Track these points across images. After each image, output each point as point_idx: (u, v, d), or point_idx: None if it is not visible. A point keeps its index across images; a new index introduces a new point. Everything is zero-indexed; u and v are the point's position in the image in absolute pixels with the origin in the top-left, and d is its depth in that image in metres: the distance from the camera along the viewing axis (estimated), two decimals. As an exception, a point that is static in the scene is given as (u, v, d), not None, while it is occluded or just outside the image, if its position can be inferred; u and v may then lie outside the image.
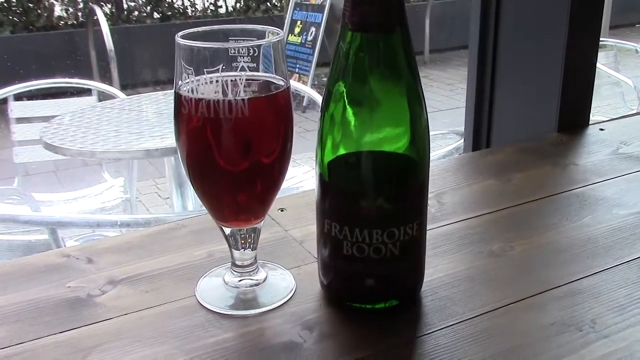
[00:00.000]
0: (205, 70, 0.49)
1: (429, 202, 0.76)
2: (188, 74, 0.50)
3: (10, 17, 5.44)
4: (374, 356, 0.51)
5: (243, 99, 0.49)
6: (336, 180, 0.53)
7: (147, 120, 2.11)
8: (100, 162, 2.93)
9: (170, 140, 1.91)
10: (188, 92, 0.50)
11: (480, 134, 1.08)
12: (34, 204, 2.30)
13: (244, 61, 0.50)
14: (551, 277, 0.61)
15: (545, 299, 0.57)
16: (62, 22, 5.61)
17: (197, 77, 0.50)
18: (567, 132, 0.96)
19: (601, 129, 0.99)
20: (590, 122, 1.01)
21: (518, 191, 0.79)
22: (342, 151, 0.53)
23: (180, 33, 0.51)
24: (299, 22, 5.08)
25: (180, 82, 0.51)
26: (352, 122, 0.52)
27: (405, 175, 0.53)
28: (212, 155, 0.51)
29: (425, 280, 0.59)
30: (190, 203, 2.24)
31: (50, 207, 2.42)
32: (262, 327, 0.55)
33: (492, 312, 0.56)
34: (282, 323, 0.55)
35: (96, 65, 5.04)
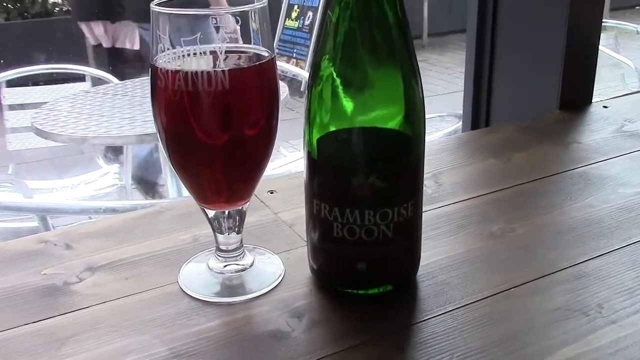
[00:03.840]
0: (182, 40, 0.46)
1: (425, 182, 0.72)
2: (164, 45, 0.46)
3: (5, 4, 5.37)
4: (366, 344, 0.48)
5: (223, 71, 0.46)
6: (325, 158, 0.49)
7: (140, 105, 2.07)
8: (96, 148, 2.90)
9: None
10: (164, 64, 0.47)
11: (479, 113, 1.04)
12: (26, 191, 2.26)
13: (225, 31, 0.46)
14: (555, 260, 0.57)
15: (548, 283, 0.54)
16: (57, 9, 5.55)
17: (174, 48, 0.46)
18: (569, 110, 0.93)
19: (605, 107, 0.95)
20: (592, 101, 0.97)
21: (519, 171, 0.75)
22: (331, 128, 0.49)
23: (156, 0, 0.47)
24: (295, 7, 5.02)
25: (156, 54, 0.47)
26: (342, 98, 0.49)
27: (399, 152, 0.49)
28: (191, 131, 0.47)
29: (421, 263, 0.56)
30: (185, 190, 2.21)
31: (43, 195, 2.39)
32: (248, 315, 0.51)
33: (493, 297, 0.52)
34: (269, 310, 0.52)
35: (92, 52, 4.98)
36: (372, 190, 0.48)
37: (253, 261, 0.56)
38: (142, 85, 2.34)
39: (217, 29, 0.46)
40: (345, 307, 0.52)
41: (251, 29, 0.48)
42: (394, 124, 0.49)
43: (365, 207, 0.48)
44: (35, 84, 2.96)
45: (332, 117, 0.49)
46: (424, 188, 0.70)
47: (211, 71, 0.45)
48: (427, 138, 0.84)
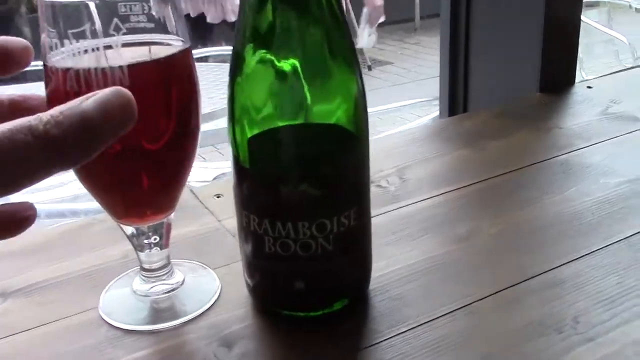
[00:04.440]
0: (71, 33, 0.39)
1: (388, 179, 0.66)
2: (52, 39, 0.40)
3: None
4: (305, 377, 0.41)
5: (121, 67, 0.39)
6: (252, 162, 0.42)
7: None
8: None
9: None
10: (54, 61, 0.40)
11: (455, 99, 0.97)
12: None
13: (126, 19, 0.40)
14: (526, 265, 0.51)
15: (518, 294, 0.48)
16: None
17: (64, 43, 0.39)
18: (550, 92, 0.86)
19: (589, 87, 0.88)
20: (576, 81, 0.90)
21: (493, 161, 0.69)
22: (258, 127, 0.42)
23: (43, -13, 0.40)
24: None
25: (45, 51, 0.40)
26: (268, 92, 0.42)
27: (336, 152, 0.42)
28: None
29: (376, 274, 0.50)
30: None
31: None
32: (172, 345, 0.45)
33: (453, 314, 0.46)
34: (197, 338, 0.45)
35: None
36: (305, 199, 0.41)
37: (184, 280, 0.50)
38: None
39: (117, 17, 0.39)
40: (284, 332, 0.45)
41: (158, 15, 0.41)
42: (329, 119, 0.42)
43: (299, 219, 0.42)
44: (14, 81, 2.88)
45: (258, 114, 0.42)
46: (384, 186, 0.64)
47: (107, 68, 0.39)
48: (406, 126, 0.77)
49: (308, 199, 0.41)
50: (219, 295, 0.49)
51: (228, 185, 0.66)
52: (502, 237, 0.55)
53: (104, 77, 0.39)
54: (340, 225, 0.43)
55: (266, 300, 0.46)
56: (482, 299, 0.47)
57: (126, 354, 0.44)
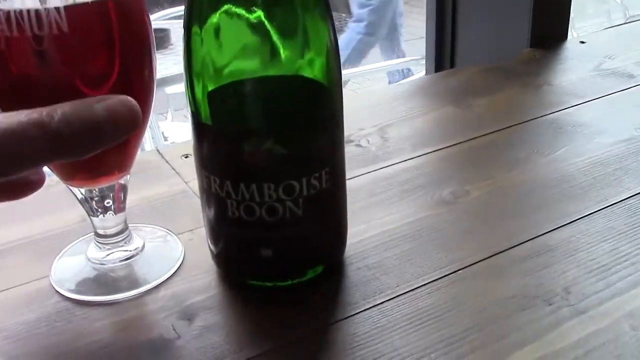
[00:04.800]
0: (1, -33, 0.34)
1: (368, 138, 0.62)
2: (-19, -25, 0.35)
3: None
4: (271, 353, 0.38)
5: (58, 8, 0.34)
6: (212, 118, 0.38)
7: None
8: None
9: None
10: (-17, 0, 0.35)
11: (442, 56, 0.93)
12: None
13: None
14: (513, 231, 0.47)
15: (504, 262, 0.44)
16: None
17: (-7, -21, 0.34)
18: (541, 48, 0.81)
19: (582, 42, 0.84)
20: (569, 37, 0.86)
21: (479, 120, 0.65)
22: (218, 80, 0.38)
23: None
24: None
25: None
26: (229, 38, 0.37)
27: (304, 105, 0.38)
28: (27, 88, 0.36)
29: (353, 241, 0.46)
30: (148, 144, 2.10)
31: None
32: (127, 317, 0.41)
33: (434, 284, 0.42)
34: (154, 310, 0.41)
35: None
36: (269, 158, 0.37)
37: (143, 246, 0.46)
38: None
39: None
40: (250, 304, 0.41)
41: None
42: (297, 70, 0.38)
43: (264, 180, 0.38)
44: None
45: (218, 66, 0.38)
46: (364, 145, 0.59)
47: (41, 9, 0.34)
48: (390, 87, 0.72)
49: (273, 158, 0.37)
50: (181, 263, 0.45)
51: (197, 145, 0.61)
52: (488, 201, 0.51)
53: (38, 19, 0.34)
54: (310, 188, 0.39)
55: (231, 269, 0.43)
56: (465, 267, 0.43)
57: (76, 327, 0.40)
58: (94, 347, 0.39)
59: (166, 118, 2.57)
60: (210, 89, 0.38)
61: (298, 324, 0.40)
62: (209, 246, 0.43)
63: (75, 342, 0.39)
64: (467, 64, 0.89)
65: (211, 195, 0.40)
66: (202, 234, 0.48)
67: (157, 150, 0.61)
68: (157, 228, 0.49)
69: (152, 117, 2.24)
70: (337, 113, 0.40)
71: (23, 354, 0.39)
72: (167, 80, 2.08)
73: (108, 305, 0.42)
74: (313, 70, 0.38)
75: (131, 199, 0.53)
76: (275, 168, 0.38)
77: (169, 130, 2.36)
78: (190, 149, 0.60)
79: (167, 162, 0.59)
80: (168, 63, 2.18)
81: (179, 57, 1.89)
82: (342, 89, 0.40)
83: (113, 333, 0.40)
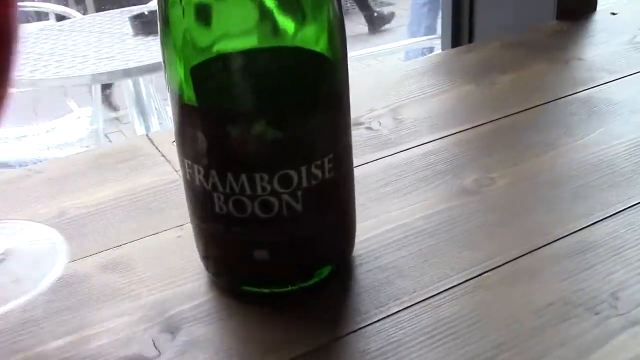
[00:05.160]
0: None
1: (380, 121, 0.55)
2: None
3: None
4: (267, 375, 0.32)
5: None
6: (195, 97, 0.32)
7: (100, 41, 1.88)
8: (68, 91, 2.72)
9: (120, 62, 1.69)
10: None
11: (459, 31, 0.86)
12: (-17, 142, 2.10)
13: None
14: (547, 225, 0.41)
15: (538, 262, 0.38)
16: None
17: None
18: (568, 20, 0.74)
19: (613, 13, 0.77)
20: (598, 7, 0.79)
21: (503, 99, 0.58)
22: (202, 53, 0.32)
23: None
24: None
25: None
26: (215, 6, 0.31)
27: (303, 80, 0.32)
28: None
29: (363, 237, 0.40)
30: (155, 129, 2.04)
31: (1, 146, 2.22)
32: (99, 331, 0.35)
33: (456, 289, 0.36)
34: (132, 323, 0.36)
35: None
36: (262, 144, 0.31)
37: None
38: (102, 20, 2.14)
39: None
40: (243, 314, 0.36)
41: None
42: (292, 38, 0.31)
43: (255, 169, 0.32)
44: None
45: (202, 35, 0.32)
46: (375, 128, 0.53)
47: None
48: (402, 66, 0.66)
49: (266, 143, 0.31)
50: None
51: (190, 129, 0.55)
52: (516, 190, 0.45)
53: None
54: (310, 178, 0.33)
55: (221, 273, 0.37)
56: (493, 269, 0.37)
57: (26, 345, 0.35)
58: (59, 368, 0.33)
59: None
60: (193, 63, 0.32)
61: (299, 338, 0.34)
62: (197, 246, 0.38)
63: (39, 360, 0.34)
64: (487, 39, 0.82)
65: (195, 188, 0.34)
66: (191, 230, 0.42)
67: (147, 136, 0.55)
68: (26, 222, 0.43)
69: (159, 102, 2.19)
70: (342, 90, 0.34)
71: (-23, 375, 0.33)
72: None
73: (69, 314, 0.36)
74: (313, 40, 0.32)
75: (115, 189, 0.48)
76: (268, 155, 0.32)
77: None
78: (182, 133, 0.55)
79: (156, 148, 0.53)
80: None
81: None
82: (347, 63, 0.34)
83: (82, 349, 0.34)
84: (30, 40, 1.97)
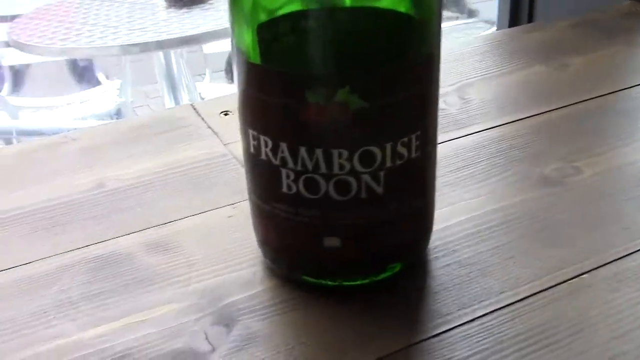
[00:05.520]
0: None
1: (444, 98, 0.51)
2: None
3: None
4: (336, 380, 0.28)
5: None
6: (267, 59, 0.28)
7: (129, 12, 1.84)
8: (93, 62, 2.69)
9: (152, 34, 1.65)
10: None
11: (519, 8, 0.81)
12: (11, 110, 2.08)
13: None
14: (649, 223, 0.36)
15: (643, 265, 0.33)
16: None
17: None
18: (642, 1, 0.69)
19: (690, -4, 0.71)
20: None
21: (579, 82, 0.53)
22: (278, 9, 0.27)
23: None
24: None
25: None
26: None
27: (392, 45, 0.27)
28: None
29: (437, 228, 0.36)
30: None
31: (33, 114, 2.20)
32: (144, 319, 0.31)
33: (552, 291, 0.32)
34: (181, 311, 0.32)
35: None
36: (344, 114, 0.27)
37: None
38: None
39: None
40: (306, 308, 0.31)
41: None
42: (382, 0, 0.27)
43: (334, 145, 0.27)
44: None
45: (277, -16, 0.27)
46: (442, 107, 0.49)
47: None
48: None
49: (349, 114, 0.27)
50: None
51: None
52: (606, 181, 0.40)
53: None
54: (395, 157, 0.28)
55: (282, 260, 0.32)
56: (590, 270, 0.33)
57: (73, 329, 0.31)
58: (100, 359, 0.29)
59: (203, 79, 2.48)
60: (268, 18, 0.28)
61: (371, 341, 0.29)
62: (254, 228, 0.33)
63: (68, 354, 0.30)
64: (548, 19, 0.77)
65: (259, 162, 0.30)
66: (245, 209, 0.38)
67: (192, 106, 0.51)
68: None
69: (189, 78, 2.15)
70: (435, 58, 0.29)
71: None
72: (203, 38, 1.98)
73: (110, 298, 0.32)
74: (404, 2, 0.27)
75: (158, 162, 0.44)
76: (350, 128, 0.27)
77: (207, 91, 2.27)
78: (231, 104, 0.50)
79: (202, 119, 0.49)
80: (206, 20, 2.07)
81: (219, 14, 1.77)
82: (441, 25, 0.29)
83: (124, 339, 0.30)
84: (62, 9, 1.94)
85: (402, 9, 0.27)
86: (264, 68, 0.27)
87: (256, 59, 0.28)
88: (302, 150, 0.28)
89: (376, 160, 0.28)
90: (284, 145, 0.28)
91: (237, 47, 0.29)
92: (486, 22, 1.83)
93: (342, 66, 0.26)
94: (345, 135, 0.27)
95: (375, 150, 0.28)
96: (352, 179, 0.28)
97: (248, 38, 0.28)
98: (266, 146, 0.29)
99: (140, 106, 2.98)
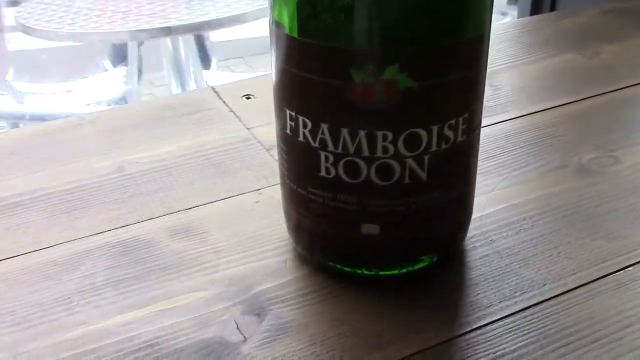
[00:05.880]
0: None
1: (475, 85, 0.49)
2: None
3: None
4: (375, 374, 0.27)
5: None
6: (308, 33, 0.26)
7: (139, -2, 1.82)
8: (101, 48, 2.67)
9: (161, 20, 1.64)
10: None
11: (541, -3, 0.79)
12: (17, 95, 2.06)
13: None
14: (696, 215, 0.35)
15: (693, 258, 0.32)
16: None
17: None
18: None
19: None
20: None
21: (611, 71, 0.52)
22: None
23: None
24: None
25: None
26: None
27: (445, 21, 0.26)
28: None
29: (473, 217, 0.34)
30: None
31: (38, 99, 2.19)
32: (174, 306, 0.30)
33: (596, 284, 0.30)
34: (210, 299, 0.30)
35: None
36: (390, 93, 0.25)
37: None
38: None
39: None
40: (341, 298, 0.30)
41: None
42: (436, -33, 0.25)
43: (378, 126, 0.26)
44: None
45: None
46: (473, 94, 0.47)
47: None
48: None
49: (397, 92, 0.25)
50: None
51: (262, 85, 0.50)
52: (646, 172, 0.39)
53: None
54: (442, 140, 0.27)
55: (316, 248, 0.31)
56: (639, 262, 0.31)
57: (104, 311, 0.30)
58: (126, 348, 0.28)
59: (209, 68, 2.46)
60: (304, -9, 0.26)
61: (411, 333, 0.28)
62: (286, 215, 0.32)
63: (123, 343, 0.28)
64: (572, 6, 0.75)
65: (297, 144, 0.28)
66: (272, 195, 0.37)
67: (212, 89, 0.50)
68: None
69: (197, 66, 2.13)
70: (485, 37, 0.27)
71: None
72: (212, 25, 1.96)
73: (135, 285, 0.31)
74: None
75: (179, 145, 0.42)
76: (397, 108, 0.26)
77: (213, 80, 2.25)
78: (253, 88, 0.49)
79: (224, 102, 0.48)
80: (215, 6, 2.05)
81: (228, 1, 1.75)
82: (492, 6, 0.28)
83: (151, 327, 0.29)
84: (70, -7, 1.92)
85: (452, -17, 0.26)
86: (306, 42, 0.26)
87: (297, 33, 0.26)
88: (344, 132, 0.26)
89: (422, 144, 0.26)
90: (324, 127, 0.27)
91: (276, 20, 0.27)
92: (500, 13, 1.81)
93: (392, 43, 0.25)
94: (391, 116, 0.26)
95: (422, 132, 0.26)
96: (395, 163, 0.27)
97: (290, 10, 0.26)
98: (305, 127, 0.27)
99: (146, 94, 2.97)
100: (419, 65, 0.25)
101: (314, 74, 0.26)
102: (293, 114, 0.28)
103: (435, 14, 0.25)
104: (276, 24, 0.27)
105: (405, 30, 0.25)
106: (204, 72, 2.30)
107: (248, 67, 2.79)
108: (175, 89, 1.99)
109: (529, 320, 0.28)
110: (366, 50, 0.25)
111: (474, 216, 0.34)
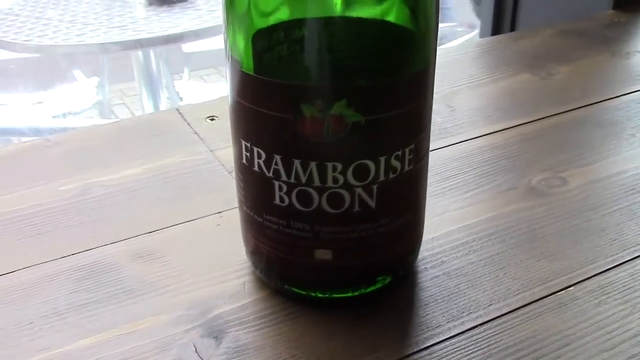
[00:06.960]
0: None
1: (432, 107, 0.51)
2: None
3: None
4: (327, 394, 0.28)
5: None
6: (262, 69, 0.27)
7: (108, 9, 1.82)
8: (73, 60, 2.66)
9: (132, 32, 1.64)
10: None
11: (502, 16, 0.81)
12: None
13: None
14: (635, 235, 0.36)
15: (627, 278, 0.34)
16: None
17: None
18: (625, 11, 0.70)
19: (671, 7, 0.72)
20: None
21: (564, 91, 0.54)
22: (274, 17, 0.27)
23: None
24: None
25: None
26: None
27: (391, 57, 0.27)
28: None
29: (425, 238, 0.36)
30: (163, 104, 1.99)
31: (4, 111, 2.17)
32: (132, 330, 0.31)
33: (539, 304, 0.32)
34: (170, 322, 0.31)
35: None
36: (340, 126, 0.27)
37: None
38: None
39: None
40: (297, 320, 0.31)
41: None
42: (381, 11, 0.27)
43: (328, 158, 0.27)
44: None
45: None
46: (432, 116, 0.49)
47: None
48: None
49: (345, 126, 0.27)
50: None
51: (226, 106, 0.51)
52: (593, 193, 0.41)
53: None
54: (389, 170, 0.28)
55: (272, 272, 0.32)
56: (578, 282, 0.33)
57: (59, 340, 0.30)
58: (88, 373, 0.29)
59: (181, 78, 2.46)
60: (262, 26, 0.27)
61: (363, 352, 0.29)
62: (244, 239, 0.33)
63: (64, 362, 0.29)
64: (531, 26, 0.77)
65: (252, 173, 0.29)
66: (233, 217, 0.38)
67: (177, 110, 0.51)
68: None
69: (169, 77, 2.13)
70: (430, 71, 0.29)
71: None
72: (184, 37, 1.96)
73: (97, 309, 0.32)
74: (400, 12, 0.27)
75: (143, 167, 0.43)
76: (345, 142, 0.27)
77: (185, 90, 2.25)
78: (217, 109, 0.50)
79: (188, 124, 0.49)
80: (186, 18, 2.06)
81: (200, 13, 1.75)
82: (437, 38, 0.29)
83: (113, 351, 0.30)
84: (39, 4, 1.91)
85: (401, 22, 0.27)
86: (259, 79, 0.27)
87: (251, 69, 0.27)
88: (296, 163, 0.28)
89: (370, 174, 0.28)
90: (277, 158, 0.28)
91: (231, 56, 0.28)
92: (468, 25, 1.84)
93: (339, 80, 0.26)
94: (340, 148, 0.27)
95: (370, 164, 0.28)
96: (345, 193, 0.28)
97: (243, 47, 0.27)
98: (259, 157, 0.28)
99: (117, 104, 2.95)
100: (365, 100, 0.26)
101: (268, 108, 0.27)
102: (248, 145, 0.29)
103: (380, 52, 0.27)
104: (230, 59, 0.28)
105: (352, 68, 0.26)
106: (176, 82, 2.30)
107: (221, 76, 2.79)
108: (147, 100, 1.99)
109: (474, 340, 0.30)
110: (315, 87, 0.26)
111: (426, 238, 0.36)
